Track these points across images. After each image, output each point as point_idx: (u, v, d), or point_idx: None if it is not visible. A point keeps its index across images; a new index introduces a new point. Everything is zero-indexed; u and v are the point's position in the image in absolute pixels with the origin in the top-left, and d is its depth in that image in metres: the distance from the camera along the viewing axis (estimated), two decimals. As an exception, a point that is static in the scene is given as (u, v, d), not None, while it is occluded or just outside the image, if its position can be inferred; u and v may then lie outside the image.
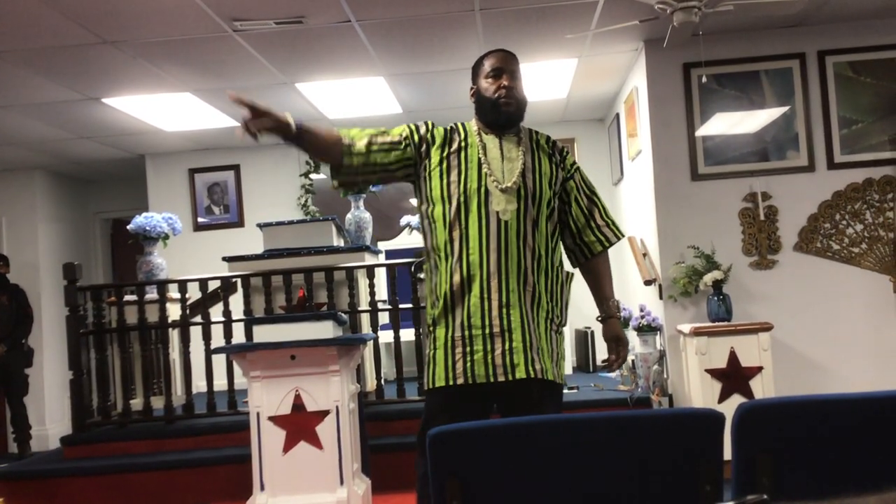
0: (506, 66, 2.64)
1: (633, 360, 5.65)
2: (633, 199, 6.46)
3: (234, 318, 5.36)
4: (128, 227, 6.03)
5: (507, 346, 2.43)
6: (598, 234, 2.68)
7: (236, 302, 5.44)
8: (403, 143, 2.61)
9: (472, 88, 2.71)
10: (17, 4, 4.20)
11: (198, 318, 5.54)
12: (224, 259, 5.61)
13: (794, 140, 5.36)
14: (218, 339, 5.31)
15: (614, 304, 2.71)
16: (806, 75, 5.36)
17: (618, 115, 6.94)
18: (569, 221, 2.67)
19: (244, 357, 4.19)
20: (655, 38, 5.28)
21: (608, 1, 4.68)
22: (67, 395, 5.63)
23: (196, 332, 5.48)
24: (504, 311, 2.45)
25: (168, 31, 4.78)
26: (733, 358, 4.74)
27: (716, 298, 5.02)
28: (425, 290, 2.63)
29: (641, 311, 5.54)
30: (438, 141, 2.60)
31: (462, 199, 2.50)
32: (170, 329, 5.62)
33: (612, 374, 6.33)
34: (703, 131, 5.38)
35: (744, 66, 5.38)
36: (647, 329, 5.48)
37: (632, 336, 5.91)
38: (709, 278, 5.01)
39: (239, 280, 5.48)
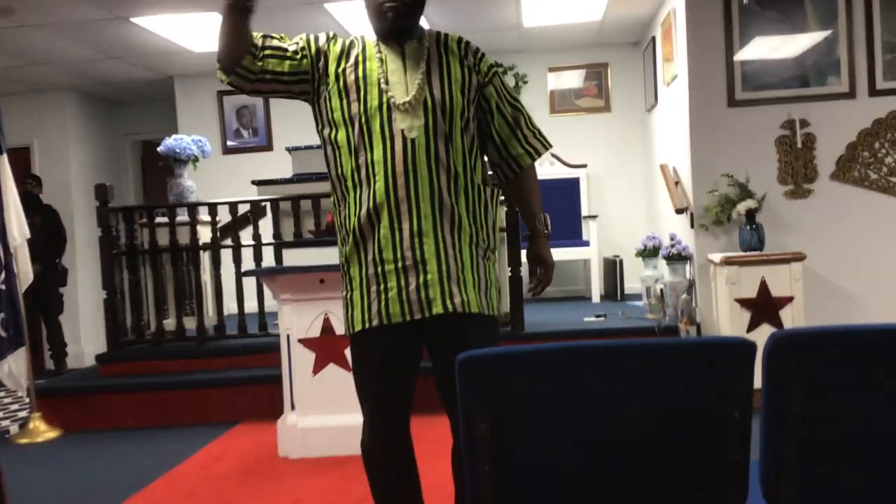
0: None
1: (661, 289, 5.63)
2: (666, 125, 6.34)
3: (264, 241, 5.40)
4: (158, 148, 6.04)
5: (421, 280, 2.17)
6: (526, 145, 2.37)
7: (266, 226, 5.47)
8: (300, 54, 2.26)
9: None
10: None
11: (228, 241, 5.58)
12: (253, 182, 5.62)
13: (836, 65, 5.20)
14: (248, 262, 5.36)
15: (542, 221, 2.41)
16: (851, -2, 5.16)
17: (654, 39, 6.76)
18: (491, 133, 2.34)
19: (274, 280, 4.23)
20: (696, -42, 5.09)
21: (647, -82, 4.51)
22: (102, 314, 5.74)
23: (227, 255, 5.54)
24: (416, 240, 2.17)
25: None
26: (764, 288, 4.70)
27: (748, 227, 4.95)
28: (335, 224, 2.34)
29: (672, 239, 5.49)
30: (336, 54, 2.26)
31: (363, 119, 2.19)
32: (201, 251, 5.68)
33: (640, 304, 6.31)
34: (741, 55, 5.23)
35: (787, -13, 5.19)
36: (677, 258, 5.44)
37: (661, 265, 5.88)
38: (742, 207, 4.93)
39: (268, 204, 5.50)
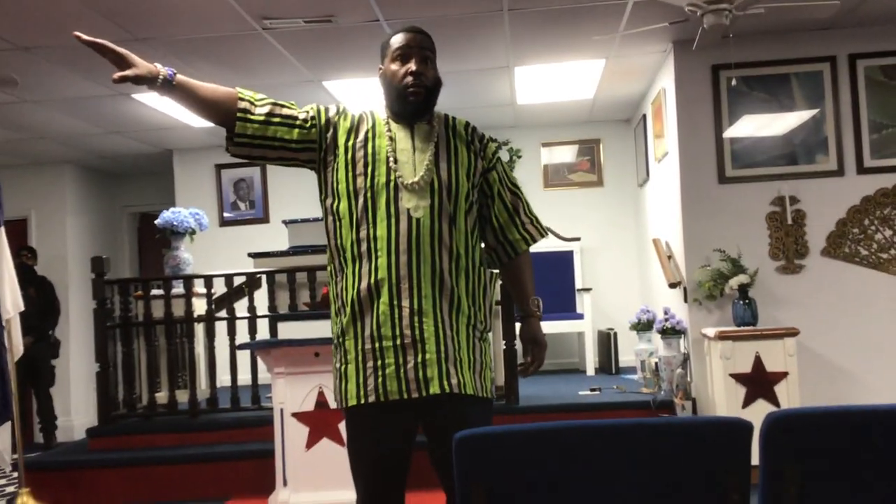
0: (415, 46, 2.30)
1: (656, 363, 5.63)
2: (658, 200, 6.43)
3: (259, 313, 5.40)
4: (155, 221, 6.08)
5: (419, 359, 2.16)
6: (523, 231, 2.42)
7: (261, 298, 5.48)
8: (309, 123, 2.30)
9: (378, 69, 2.38)
10: (51, 2, 4.25)
11: (223, 313, 5.58)
12: (249, 255, 5.65)
13: (824, 144, 5.31)
14: (242, 335, 5.35)
15: (534, 303, 2.44)
16: (836, 79, 5.30)
17: (644, 116, 6.90)
18: (491, 217, 2.39)
19: (269, 353, 4.22)
20: (684, 40, 5.24)
21: (637, 2, 4.66)
22: (93, 387, 5.70)
23: (221, 327, 5.53)
24: (416, 319, 2.18)
25: (199, 29, 4.82)
26: (758, 363, 4.71)
27: (741, 302, 4.98)
28: (330, 295, 2.34)
29: (665, 313, 5.51)
30: (345, 128, 2.31)
31: (369, 194, 2.22)
32: (195, 323, 5.67)
33: (637, 377, 6.30)
34: (731, 133, 5.35)
35: (773, 68, 5.34)
36: (671, 332, 5.45)
37: (655, 339, 5.89)
38: (735, 282, 4.97)
39: (264, 276, 5.52)
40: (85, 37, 2.17)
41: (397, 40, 2.33)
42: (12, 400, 4.95)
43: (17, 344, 5.08)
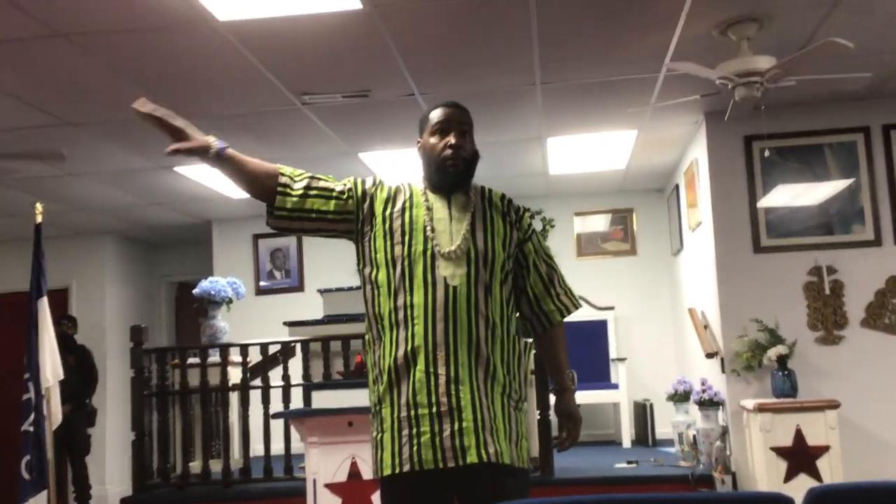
0: (454, 121, 2.36)
1: (694, 436, 5.52)
2: (693, 270, 6.40)
3: (293, 382, 5.42)
4: (193, 291, 6.17)
5: (456, 427, 2.15)
6: (558, 302, 2.44)
7: (295, 366, 5.51)
8: (346, 195, 2.35)
9: (417, 142, 2.44)
10: (97, 77, 4.41)
11: (257, 382, 5.61)
12: (285, 324, 5.70)
13: (860, 214, 5.28)
14: (276, 403, 5.36)
15: (570, 377, 2.45)
16: (871, 149, 5.30)
17: (677, 186, 6.92)
18: (526, 288, 2.41)
19: (302, 422, 4.21)
20: (716, 111, 5.29)
21: (669, 76, 4.73)
22: (128, 456, 5.72)
23: (255, 396, 5.55)
24: (452, 387, 2.18)
25: (241, 105, 4.97)
26: (799, 436, 4.61)
27: (780, 374, 4.90)
28: (368, 364, 2.36)
29: (703, 384, 5.43)
30: (382, 198, 2.35)
31: (406, 263, 2.25)
32: (230, 392, 5.71)
33: (673, 450, 6.18)
34: (765, 203, 5.34)
35: (807, 139, 5.35)
36: (709, 403, 5.37)
37: (693, 410, 5.80)
38: (773, 353, 4.91)
39: (298, 345, 5.55)
40: (143, 108, 2.23)
41: (436, 115, 2.39)
42: (48, 468, 4.99)
43: (55, 412, 5.16)
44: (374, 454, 2.28)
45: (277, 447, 5.52)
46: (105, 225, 8.21)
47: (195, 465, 5.77)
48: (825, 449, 4.59)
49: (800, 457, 4.59)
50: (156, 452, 5.63)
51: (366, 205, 2.36)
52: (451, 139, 2.33)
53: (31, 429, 4.98)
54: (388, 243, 2.29)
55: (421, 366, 2.20)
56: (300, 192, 2.33)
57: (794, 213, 5.34)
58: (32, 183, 6.36)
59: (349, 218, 2.36)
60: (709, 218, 5.49)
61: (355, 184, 2.39)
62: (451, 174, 2.33)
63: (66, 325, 7.28)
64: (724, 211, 5.39)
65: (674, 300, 7.61)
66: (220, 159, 2.28)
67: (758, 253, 5.32)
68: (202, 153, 2.26)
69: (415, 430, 2.18)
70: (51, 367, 5.11)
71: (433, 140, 2.36)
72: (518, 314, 2.44)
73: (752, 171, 5.37)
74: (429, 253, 2.26)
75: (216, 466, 5.75)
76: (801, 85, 4.30)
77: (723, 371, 5.30)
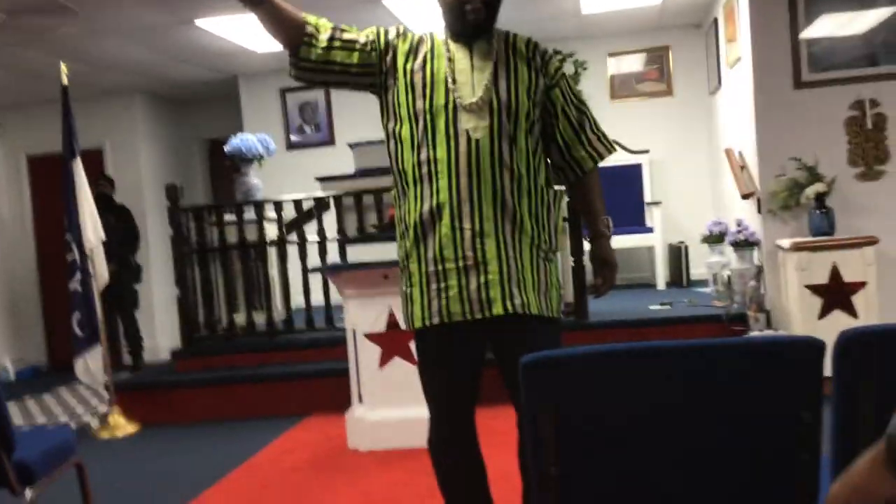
0: None
1: (728, 276, 5.54)
2: (731, 108, 6.22)
3: (328, 236, 5.48)
4: (224, 148, 6.17)
5: (482, 280, 2.17)
6: (590, 148, 2.35)
7: (330, 220, 5.55)
8: (369, 46, 2.28)
9: None
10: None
11: (293, 238, 5.69)
12: (317, 179, 5.71)
13: (908, 42, 5.03)
14: (313, 257, 5.45)
15: (604, 223, 2.39)
16: (923, -29, 4.98)
17: (716, 20, 6.63)
18: (556, 136, 2.33)
19: (339, 276, 4.30)
20: (758, -63, 4.97)
21: None
22: (175, 310, 5.91)
23: (293, 251, 5.64)
24: (478, 241, 2.17)
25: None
26: (835, 273, 4.60)
27: (818, 212, 4.84)
28: (395, 218, 2.36)
29: (738, 225, 5.40)
30: (404, 51, 2.28)
31: (429, 117, 2.20)
32: (268, 247, 5.80)
33: (709, 291, 6.23)
34: (807, 34, 5.10)
35: (854, -37, 5.04)
36: (745, 244, 5.35)
37: (728, 251, 5.79)
38: (811, 191, 4.82)
39: (332, 200, 5.58)
40: None
41: None
42: (99, 325, 5.19)
43: (101, 272, 5.30)
44: (405, 308, 2.31)
45: (317, 299, 5.66)
46: (132, 84, 8.14)
47: (239, 318, 5.96)
48: (861, 285, 4.58)
49: (835, 294, 4.60)
50: (201, 307, 5.81)
51: (388, 57, 2.29)
52: None
53: (79, 288, 5.15)
54: (410, 97, 2.24)
55: (446, 220, 2.19)
56: (325, 44, 2.26)
57: (838, 45, 5.10)
58: (54, 44, 6.28)
59: (372, 71, 2.30)
60: (748, 52, 5.28)
61: (378, 35, 2.31)
62: (472, 20, 2.22)
63: (103, 185, 7.38)
64: (764, 44, 5.16)
65: (710, 141, 7.45)
66: (258, 2, 2.19)
67: (798, 88, 5.13)
68: None
69: (443, 285, 2.21)
70: (91, 227, 5.21)
71: None
72: (550, 163, 2.39)
73: (794, 0, 5.10)
74: (450, 106, 2.20)
75: (260, 318, 5.93)
76: None
77: (759, 212, 5.25)
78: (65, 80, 5.25)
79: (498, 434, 3.02)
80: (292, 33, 2.26)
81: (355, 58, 2.28)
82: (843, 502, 0.86)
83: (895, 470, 0.80)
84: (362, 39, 2.29)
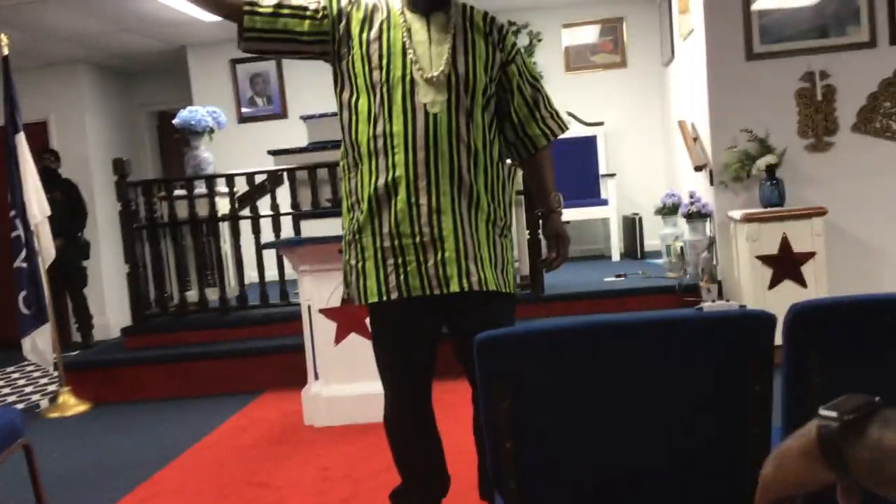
0: None
1: (681, 248, 5.60)
2: (684, 80, 6.26)
3: (282, 211, 5.41)
4: (173, 121, 6.04)
5: (439, 257, 2.15)
6: (543, 125, 2.34)
7: (283, 194, 5.48)
8: (320, 13, 2.21)
9: None
10: None
11: (246, 212, 5.61)
12: (269, 152, 5.62)
13: (856, 15, 5.08)
14: (267, 232, 5.38)
15: (556, 199, 2.40)
16: (872, -56, 5.03)
17: (669, -8, 6.65)
18: (510, 112, 2.31)
19: (293, 251, 4.25)
20: None
21: None
22: (126, 287, 5.80)
23: (246, 226, 5.56)
24: (434, 217, 2.14)
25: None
26: (785, 244, 4.67)
27: (769, 183, 4.90)
28: (342, 191, 2.31)
29: (691, 197, 5.45)
30: (359, 18, 2.21)
31: (385, 89, 2.14)
32: (220, 222, 5.71)
33: (660, 262, 6.30)
34: (759, 5, 5.13)
35: (805, -65, 5.07)
36: (697, 216, 5.40)
37: (681, 223, 5.85)
38: (762, 163, 4.88)
39: (285, 173, 5.50)
40: None
41: None
42: (46, 302, 5.07)
43: (47, 248, 5.17)
44: (355, 282, 2.26)
45: (272, 274, 5.60)
46: (77, 55, 7.91)
47: (192, 295, 5.88)
48: (811, 255, 4.66)
49: (785, 263, 4.67)
50: (152, 283, 5.71)
51: (342, 25, 2.21)
52: None
53: (25, 265, 5.02)
54: (367, 68, 2.17)
55: (402, 195, 2.15)
56: (269, 10, 2.19)
57: (789, 17, 5.15)
58: (-7, 13, 6.07)
59: (325, 39, 2.23)
60: (700, 25, 5.30)
61: (330, 1, 2.23)
62: None
63: (48, 160, 7.20)
64: (716, 16, 5.18)
65: (664, 113, 7.50)
66: None
67: (750, 60, 5.17)
68: None
69: (400, 260, 2.18)
70: (37, 202, 5.08)
71: None
72: (503, 140, 2.37)
73: (746, -27, 5.12)
74: (408, 78, 2.14)
75: (212, 295, 5.85)
76: None
77: (711, 183, 5.30)
78: (5, 51, 5.07)
79: (453, 408, 3.02)
80: (233, 3, 2.18)
81: (306, 25, 2.21)
82: (777, 494, 0.85)
83: (827, 458, 0.80)
84: (313, 6, 2.22)
